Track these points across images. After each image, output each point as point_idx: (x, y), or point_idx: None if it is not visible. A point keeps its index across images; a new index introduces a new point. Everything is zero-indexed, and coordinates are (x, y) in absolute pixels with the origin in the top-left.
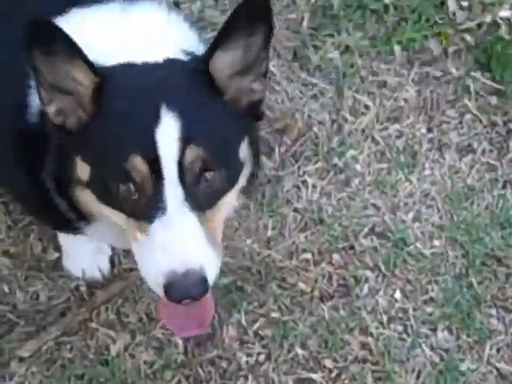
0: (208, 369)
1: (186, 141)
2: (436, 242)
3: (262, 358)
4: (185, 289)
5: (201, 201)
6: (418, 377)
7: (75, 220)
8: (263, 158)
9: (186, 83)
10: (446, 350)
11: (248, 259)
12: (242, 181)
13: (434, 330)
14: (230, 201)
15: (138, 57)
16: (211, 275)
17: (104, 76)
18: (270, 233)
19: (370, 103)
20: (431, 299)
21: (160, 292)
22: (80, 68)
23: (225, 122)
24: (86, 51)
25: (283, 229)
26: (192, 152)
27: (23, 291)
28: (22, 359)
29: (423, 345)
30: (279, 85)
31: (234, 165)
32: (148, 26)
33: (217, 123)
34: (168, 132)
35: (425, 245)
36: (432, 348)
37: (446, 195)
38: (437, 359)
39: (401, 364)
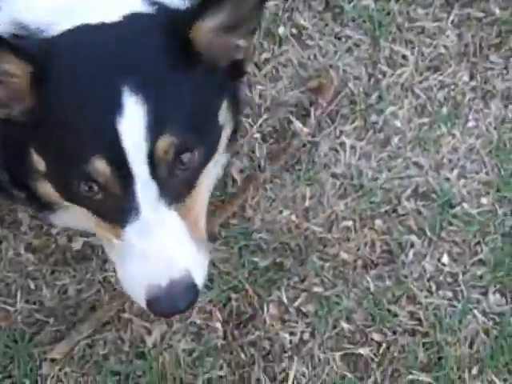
0: (250, 351)
1: (156, 130)
2: (483, 200)
3: (306, 335)
4: (172, 303)
5: (178, 190)
6: (471, 345)
7: (36, 210)
8: (298, 124)
9: (154, 51)
10: (500, 315)
11: (286, 233)
12: (222, 146)
13: (486, 294)
14: (209, 174)
15: (94, 14)
16: (200, 278)
17: (40, 61)
18: (308, 202)
19: (408, 53)
20: (481, 261)
21: (145, 306)
22: (7, 59)
23: (202, 93)
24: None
25: (322, 197)
26: (165, 141)
27: (50, 287)
28: (53, 360)
29: (475, 310)
30: (311, 39)
31: (213, 135)
32: None
33: (193, 97)
34: (134, 122)
35: (472, 204)
36: (484, 313)
37: (492, 148)
38: (490, 324)
39: (453, 333)
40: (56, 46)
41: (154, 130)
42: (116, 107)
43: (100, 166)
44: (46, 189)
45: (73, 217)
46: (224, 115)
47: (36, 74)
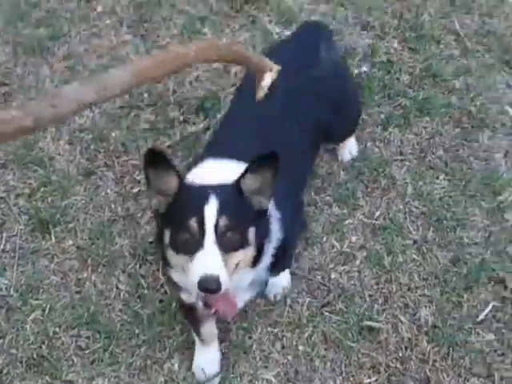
0: None
1: (220, 213)
2: None
3: None
4: (208, 284)
5: (224, 246)
6: None
7: (164, 267)
8: None
9: (226, 188)
10: None
11: None
12: (248, 252)
13: None
14: (243, 256)
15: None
16: (224, 282)
17: (183, 181)
18: None
19: None
20: None
21: (195, 288)
22: (173, 178)
23: (242, 212)
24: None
25: None
26: (222, 220)
27: None
28: None
29: None
30: None
31: (243, 235)
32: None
33: (237, 211)
34: (212, 208)
35: None
36: None
37: None
38: None
39: None
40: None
41: (219, 213)
42: (206, 201)
43: (192, 222)
44: (168, 253)
45: (177, 272)
46: (251, 236)
47: (180, 185)
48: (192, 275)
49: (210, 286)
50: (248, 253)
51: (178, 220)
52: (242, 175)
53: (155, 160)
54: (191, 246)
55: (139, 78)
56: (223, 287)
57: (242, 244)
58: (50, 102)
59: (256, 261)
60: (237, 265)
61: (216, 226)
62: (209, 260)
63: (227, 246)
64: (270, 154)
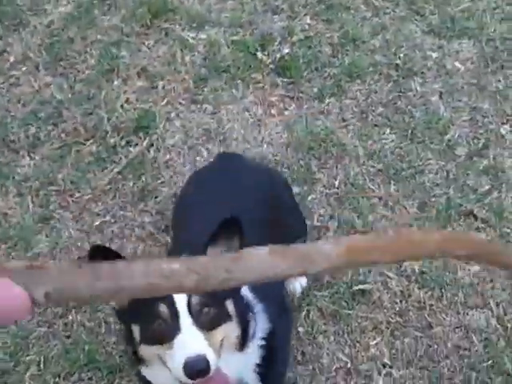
0: None
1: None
2: None
3: None
4: (194, 365)
5: (202, 324)
6: None
7: (135, 365)
8: None
9: None
10: None
11: None
12: (231, 327)
13: None
14: (226, 332)
15: None
16: (212, 361)
17: None
18: None
19: None
20: None
21: (182, 375)
22: None
23: None
24: None
25: None
26: (194, 297)
27: None
28: None
29: None
30: None
31: (221, 308)
32: None
33: None
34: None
35: None
36: None
37: None
38: None
39: None
40: None
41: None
42: None
43: (163, 308)
44: (141, 349)
45: (151, 370)
46: (231, 308)
47: None
48: (174, 363)
49: (197, 366)
50: (231, 328)
51: (145, 311)
52: (205, 247)
53: (101, 257)
54: (167, 333)
55: (353, 258)
56: (212, 367)
57: (223, 318)
58: (227, 266)
59: (243, 342)
60: (221, 343)
61: (189, 306)
62: (191, 341)
63: (206, 323)
64: (231, 220)
